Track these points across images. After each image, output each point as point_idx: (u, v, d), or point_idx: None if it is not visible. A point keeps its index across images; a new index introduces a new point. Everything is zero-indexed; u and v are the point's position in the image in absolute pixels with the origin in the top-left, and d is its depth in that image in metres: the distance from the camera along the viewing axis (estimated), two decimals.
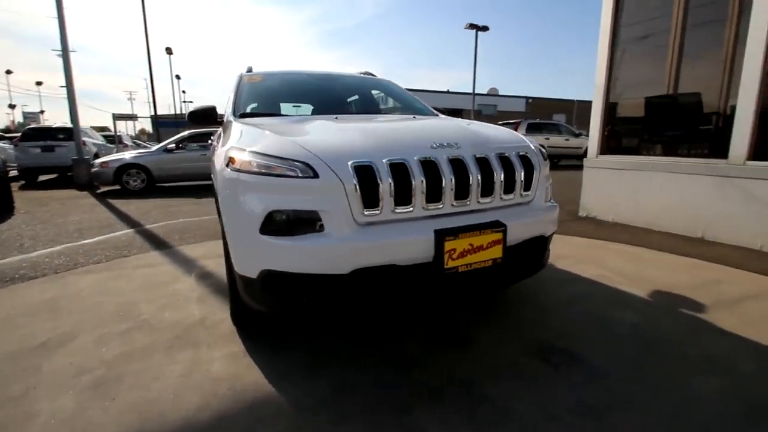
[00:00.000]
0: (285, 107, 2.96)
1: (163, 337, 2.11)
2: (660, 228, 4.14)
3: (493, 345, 1.94)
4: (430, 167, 1.61)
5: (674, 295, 2.53)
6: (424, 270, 1.58)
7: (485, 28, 22.17)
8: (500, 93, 40.82)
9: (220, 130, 2.69)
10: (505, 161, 1.80)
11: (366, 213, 1.53)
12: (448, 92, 37.20)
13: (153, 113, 25.40)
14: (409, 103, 3.14)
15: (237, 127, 2.15)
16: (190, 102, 53.55)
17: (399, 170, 1.57)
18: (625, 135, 4.76)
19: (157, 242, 4.11)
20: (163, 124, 25.02)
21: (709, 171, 3.69)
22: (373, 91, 3.37)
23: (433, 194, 1.62)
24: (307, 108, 3.07)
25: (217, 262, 3.34)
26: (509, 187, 1.81)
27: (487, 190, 1.74)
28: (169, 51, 31.43)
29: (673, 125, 4.26)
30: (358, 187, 1.50)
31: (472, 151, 1.73)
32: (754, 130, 3.39)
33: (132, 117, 21.53)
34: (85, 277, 3.09)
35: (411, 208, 1.60)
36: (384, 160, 1.56)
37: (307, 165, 1.51)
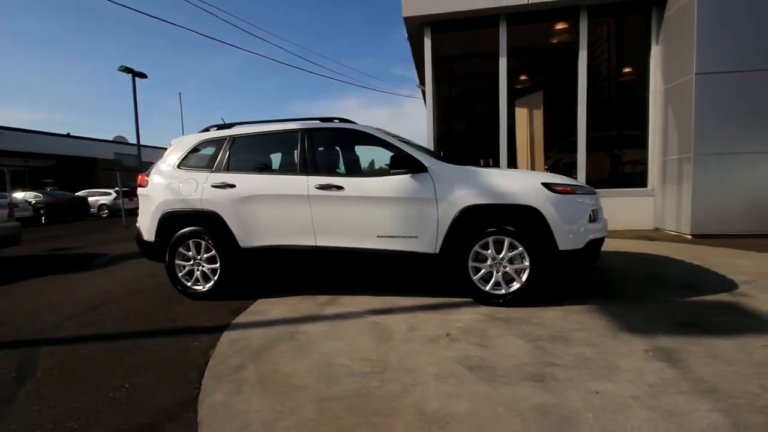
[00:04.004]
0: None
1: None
2: None
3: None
4: None
5: None
6: None
7: (143, 75, 17.07)
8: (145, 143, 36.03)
9: (412, 179, 3.24)
10: None
11: None
12: (68, 135, 27.02)
13: None
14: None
15: (485, 171, 3.31)
16: None
17: None
18: None
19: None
20: None
21: None
22: None
23: None
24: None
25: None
26: None
27: None
28: None
29: None
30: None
31: None
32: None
33: None
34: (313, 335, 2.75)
35: None
36: None
37: (592, 187, 3.39)
